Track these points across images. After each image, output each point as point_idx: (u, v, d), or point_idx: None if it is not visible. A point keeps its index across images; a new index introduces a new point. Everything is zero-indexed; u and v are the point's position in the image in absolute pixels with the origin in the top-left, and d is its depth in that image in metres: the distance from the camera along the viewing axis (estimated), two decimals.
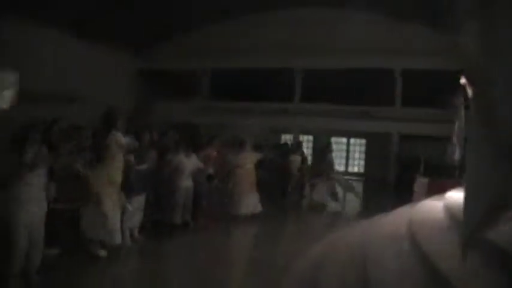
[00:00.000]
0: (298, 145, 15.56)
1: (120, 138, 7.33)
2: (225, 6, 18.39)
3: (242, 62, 19.71)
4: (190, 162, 9.94)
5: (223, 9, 18.82)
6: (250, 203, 11.58)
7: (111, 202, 7.29)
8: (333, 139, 20.34)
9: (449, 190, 8.28)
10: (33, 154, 5.80)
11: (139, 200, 8.31)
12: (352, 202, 15.53)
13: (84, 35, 17.09)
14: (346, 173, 21.20)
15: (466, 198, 3.32)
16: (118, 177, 7.42)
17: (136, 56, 20.80)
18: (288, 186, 14.31)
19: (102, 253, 7.26)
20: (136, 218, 8.35)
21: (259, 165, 12.41)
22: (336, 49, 18.81)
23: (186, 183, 9.80)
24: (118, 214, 7.51)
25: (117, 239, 7.42)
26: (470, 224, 3.22)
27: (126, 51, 19.72)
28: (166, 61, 20.57)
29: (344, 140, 23.68)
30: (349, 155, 24.02)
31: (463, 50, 3.06)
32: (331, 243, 8.10)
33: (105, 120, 7.48)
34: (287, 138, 19.45)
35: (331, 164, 14.30)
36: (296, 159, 14.44)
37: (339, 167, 21.78)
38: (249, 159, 11.83)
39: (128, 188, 7.79)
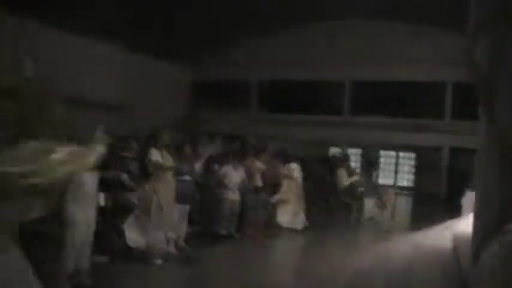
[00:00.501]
0: (345, 158, 15.45)
1: (152, 157, 7.52)
2: (274, 19, 18.50)
3: (291, 74, 19.78)
4: (237, 174, 10.08)
5: (273, 22, 18.93)
6: (296, 215, 11.60)
7: (156, 212, 7.48)
8: (382, 152, 20.19)
9: None
10: None
11: (184, 210, 8.46)
12: (401, 216, 15.34)
13: (139, 48, 17.55)
14: (395, 186, 20.94)
15: (475, 208, 3.31)
16: (165, 189, 7.61)
17: (189, 68, 21.12)
18: (334, 199, 14.23)
19: (158, 262, 7.46)
20: (181, 228, 8.51)
21: (306, 178, 12.43)
22: (385, 61, 18.67)
23: (232, 195, 9.93)
24: (163, 223, 7.69)
25: (162, 248, 7.62)
26: (478, 235, 3.21)
27: (179, 63, 20.08)
28: (217, 73, 20.81)
29: (393, 153, 23.42)
30: (398, 169, 23.74)
31: (471, 59, 3.07)
32: (376, 256, 8.09)
33: (149, 138, 7.78)
34: (335, 151, 19.37)
35: (376, 177, 14.21)
36: (343, 172, 14.35)
37: (388, 180, 21.57)
38: (295, 172, 11.87)
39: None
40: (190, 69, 21.14)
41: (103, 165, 7.04)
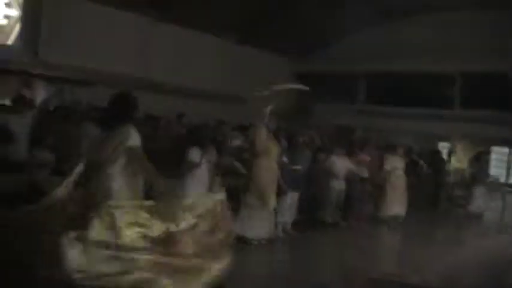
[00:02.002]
0: (452, 153, 15.28)
1: (258, 140, 8.04)
2: (381, 10, 18.48)
3: (399, 66, 19.63)
4: (343, 165, 10.46)
5: (380, 14, 18.90)
6: (401, 207, 11.76)
7: (263, 198, 8.02)
8: (494, 148, 19.56)
9: None
10: (201, 151, 6.87)
11: (292, 198, 8.95)
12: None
13: (246, 40, 18.19)
14: (506, 184, 20.31)
15: None
16: (268, 176, 8.12)
17: (296, 60, 21.52)
18: (440, 193, 14.20)
19: (255, 242, 8.03)
20: (289, 214, 9.02)
21: (412, 171, 12.53)
22: (500, 52, 18.04)
23: (339, 184, 10.34)
24: (271, 210, 8.23)
25: (269, 233, 8.19)
26: None
27: (286, 55, 20.51)
28: (324, 64, 21.00)
29: (505, 150, 22.58)
30: (510, 165, 22.91)
31: None
32: (473, 250, 8.18)
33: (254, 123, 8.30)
34: (444, 145, 19.10)
35: (487, 174, 14.00)
36: (449, 167, 14.27)
37: (499, 177, 20.93)
38: (401, 165, 12.00)
39: (281, 186, 8.48)
40: (296, 61, 21.52)
41: (217, 152, 7.78)
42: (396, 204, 11.65)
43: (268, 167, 8.12)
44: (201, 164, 6.93)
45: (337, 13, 17.74)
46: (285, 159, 8.71)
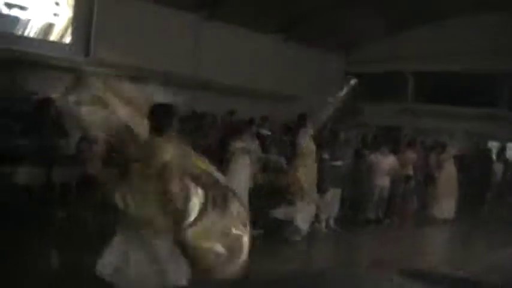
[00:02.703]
0: (502, 152, 15.00)
1: (299, 139, 8.19)
2: (430, 9, 18.29)
3: (447, 65, 19.39)
4: (387, 162, 10.47)
5: (430, 13, 18.71)
6: (446, 207, 11.66)
7: (303, 194, 8.17)
8: None
9: None
10: (243, 145, 7.13)
11: (335, 193, 9.09)
12: None
13: (295, 37, 18.28)
14: None
15: None
16: (308, 174, 8.25)
17: (345, 58, 21.52)
18: (487, 194, 13.98)
19: (297, 238, 8.18)
20: (331, 209, 9.16)
21: (461, 170, 12.41)
22: None
23: (382, 181, 10.37)
24: (311, 205, 8.37)
25: (310, 227, 8.38)
26: None
27: (335, 53, 20.53)
28: (373, 63, 20.92)
29: None
30: None
31: None
32: None
33: (298, 120, 8.44)
34: (493, 145, 18.75)
35: None
36: (498, 167, 14.02)
37: None
38: (450, 164, 11.93)
39: (323, 182, 8.61)
40: (344, 59, 21.52)
41: (265, 149, 8.01)
42: (444, 204, 11.59)
43: (309, 166, 8.27)
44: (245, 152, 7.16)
45: (386, 11, 17.66)
46: (326, 155, 8.84)
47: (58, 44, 12.55)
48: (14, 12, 11.61)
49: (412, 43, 19.79)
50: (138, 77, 11.92)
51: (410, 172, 11.26)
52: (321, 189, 8.64)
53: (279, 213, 8.33)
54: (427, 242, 10.12)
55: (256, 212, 7.81)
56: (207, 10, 15.47)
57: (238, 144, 7.29)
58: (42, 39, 12.23)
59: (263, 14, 15.80)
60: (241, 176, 7.24)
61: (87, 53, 13.10)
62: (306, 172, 8.16)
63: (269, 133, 10.15)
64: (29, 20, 11.88)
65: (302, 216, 8.19)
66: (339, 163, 9.11)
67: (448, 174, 11.82)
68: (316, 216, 8.74)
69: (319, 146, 8.57)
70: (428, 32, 19.77)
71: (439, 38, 19.27)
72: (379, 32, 19.71)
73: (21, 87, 10.83)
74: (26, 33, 11.89)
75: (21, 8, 11.75)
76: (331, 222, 9.24)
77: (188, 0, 14.72)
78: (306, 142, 8.17)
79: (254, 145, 7.82)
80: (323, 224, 8.98)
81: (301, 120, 8.43)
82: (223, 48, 15.68)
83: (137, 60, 13.19)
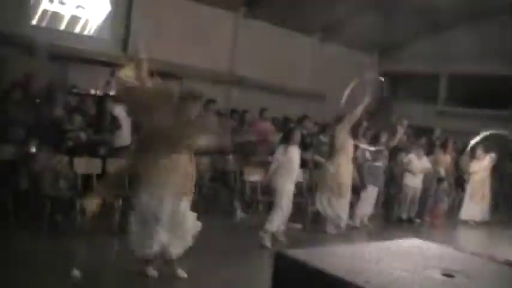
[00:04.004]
0: None
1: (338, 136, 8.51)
2: (464, 10, 18.16)
3: (480, 68, 19.24)
4: (420, 163, 10.55)
5: (464, 14, 18.58)
6: (479, 209, 11.66)
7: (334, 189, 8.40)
8: None
9: None
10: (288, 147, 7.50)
11: (371, 192, 9.32)
12: None
13: (331, 37, 18.37)
14: None
15: None
16: (345, 171, 8.50)
17: (379, 58, 21.51)
18: None
19: (333, 231, 8.44)
20: (366, 207, 9.38)
21: (495, 172, 12.38)
22: None
23: (415, 182, 10.46)
24: (345, 202, 8.60)
25: (344, 222, 8.63)
26: None
27: (370, 53, 20.56)
28: (408, 64, 20.88)
29: None
30: None
31: None
32: None
33: (335, 119, 8.62)
34: None
35: None
36: None
37: None
38: (483, 167, 11.92)
39: (360, 181, 8.82)
40: (378, 59, 21.50)
41: (303, 146, 8.26)
42: (477, 205, 11.59)
43: (346, 163, 8.54)
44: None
45: (423, 12, 17.62)
46: (367, 155, 9.06)
47: (96, 39, 12.82)
48: (55, 7, 11.90)
49: (450, 44, 19.66)
50: (174, 72, 12.25)
51: (443, 173, 11.32)
52: (360, 187, 8.85)
53: (318, 208, 8.55)
54: (456, 243, 10.13)
55: (297, 207, 8.10)
56: (245, 8, 15.64)
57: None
58: (80, 34, 12.52)
59: (301, 14, 15.91)
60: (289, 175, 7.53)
61: (124, 48, 13.35)
62: (343, 169, 8.43)
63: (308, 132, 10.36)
64: (69, 16, 12.18)
65: (339, 211, 8.40)
66: (379, 163, 9.32)
67: (482, 176, 11.80)
68: (351, 212, 9.02)
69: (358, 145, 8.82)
70: (464, 34, 19.66)
71: (473, 39, 19.16)
72: (414, 33, 19.69)
73: (65, 81, 11.13)
74: (65, 29, 12.18)
75: (62, 3, 12.04)
76: (366, 219, 9.43)
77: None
78: (342, 140, 8.39)
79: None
80: (357, 221, 9.22)
81: (338, 119, 8.74)
82: (259, 46, 15.82)
83: (173, 56, 13.45)
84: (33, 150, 7.21)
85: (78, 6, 12.34)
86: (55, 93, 9.06)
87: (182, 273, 5.40)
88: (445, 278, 2.35)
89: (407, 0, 16.54)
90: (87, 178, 7.45)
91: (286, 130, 8.12)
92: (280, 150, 7.39)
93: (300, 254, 2.57)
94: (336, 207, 8.43)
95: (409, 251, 2.85)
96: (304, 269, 2.31)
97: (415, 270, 2.43)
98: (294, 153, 7.43)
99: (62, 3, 12.04)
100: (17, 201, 6.78)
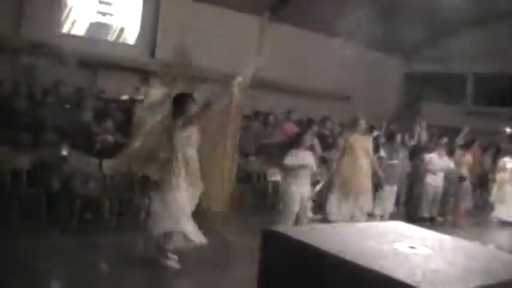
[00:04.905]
0: None
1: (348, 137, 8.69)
2: (491, 10, 18.12)
3: (507, 66, 19.14)
4: (442, 162, 10.65)
5: (491, 13, 18.54)
6: (505, 210, 11.67)
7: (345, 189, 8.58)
8: None
9: None
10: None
11: (390, 190, 9.43)
12: None
13: (357, 40, 18.48)
14: None
15: None
16: (354, 170, 8.62)
17: (404, 60, 21.57)
18: None
19: None
20: (385, 205, 9.50)
21: None
22: None
23: (436, 181, 10.56)
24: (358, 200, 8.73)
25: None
26: None
27: (395, 55, 20.63)
28: (433, 64, 20.88)
29: None
30: None
31: None
32: None
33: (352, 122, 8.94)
34: None
35: None
36: None
37: None
38: (508, 166, 11.93)
39: (379, 179, 8.96)
40: (402, 60, 21.55)
41: (325, 146, 8.53)
42: (502, 206, 11.61)
43: (357, 163, 8.61)
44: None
45: (446, 12, 17.63)
46: (382, 154, 9.19)
47: (125, 46, 13.24)
48: (84, 16, 12.38)
49: (474, 43, 19.61)
50: (201, 77, 12.60)
51: (465, 172, 11.35)
52: (377, 186, 9.00)
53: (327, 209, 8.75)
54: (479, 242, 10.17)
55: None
56: (269, 12, 15.90)
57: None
58: (109, 41, 12.95)
59: (325, 16, 16.10)
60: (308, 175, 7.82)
61: (152, 54, 13.74)
62: (351, 169, 8.52)
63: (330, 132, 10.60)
64: (97, 23, 12.63)
65: (349, 211, 8.56)
66: (395, 161, 9.44)
67: (503, 176, 11.83)
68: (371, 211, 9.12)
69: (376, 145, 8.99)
70: (489, 33, 19.60)
71: (499, 38, 19.09)
72: (438, 34, 19.70)
73: (94, 87, 11.54)
74: (94, 36, 12.63)
75: (90, 11, 12.50)
76: (386, 218, 9.55)
77: (252, 2, 15.18)
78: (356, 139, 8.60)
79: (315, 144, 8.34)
80: (378, 219, 9.30)
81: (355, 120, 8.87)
82: (283, 48, 16.05)
83: (200, 61, 13.78)
84: (65, 153, 7.65)
85: (106, 14, 12.79)
86: (84, 99, 9.50)
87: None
88: (409, 250, 2.75)
89: (430, 2, 16.63)
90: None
91: (295, 135, 8.34)
92: (289, 154, 7.65)
93: (285, 230, 2.96)
94: (345, 207, 8.53)
95: (386, 230, 3.23)
96: (288, 242, 2.69)
97: (386, 243, 2.82)
98: (305, 157, 7.65)
99: (90, 11, 12.50)
100: (49, 200, 7.22)
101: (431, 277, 2.29)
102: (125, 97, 10.51)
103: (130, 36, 13.39)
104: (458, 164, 11.15)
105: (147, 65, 12.93)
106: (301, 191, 7.57)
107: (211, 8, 14.22)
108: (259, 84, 15.13)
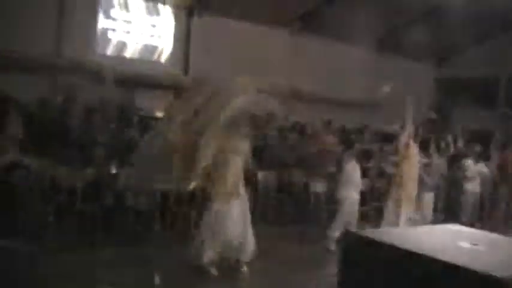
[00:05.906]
0: None
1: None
2: None
3: None
4: (478, 168, 10.75)
5: None
6: None
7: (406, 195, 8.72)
8: None
9: None
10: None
11: (429, 197, 9.51)
12: None
13: (386, 48, 18.62)
14: None
15: None
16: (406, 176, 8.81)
17: (436, 66, 21.63)
18: None
19: None
20: (425, 212, 9.56)
21: None
22: None
23: (473, 187, 10.66)
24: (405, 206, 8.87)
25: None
26: None
27: (426, 61, 20.69)
28: (465, 69, 20.80)
29: None
30: None
31: None
32: None
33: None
34: None
35: None
36: None
37: None
38: None
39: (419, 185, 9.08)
40: (433, 66, 21.58)
41: (366, 157, 8.80)
42: None
43: (410, 169, 8.78)
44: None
45: (476, 18, 17.65)
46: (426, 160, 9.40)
47: (158, 63, 13.58)
48: (119, 36, 12.77)
49: (506, 47, 19.55)
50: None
51: (501, 177, 11.38)
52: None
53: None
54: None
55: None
56: (298, 23, 16.17)
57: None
58: (143, 59, 13.31)
59: (354, 26, 16.26)
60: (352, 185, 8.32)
61: (186, 71, 14.05)
62: (406, 174, 8.71)
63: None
64: (132, 43, 13.02)
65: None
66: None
67: None
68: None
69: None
70: None
71: None
72: (469, 39, 19.67)
73: (132, 104, 11.85)
74: (130, 55, 13.03)
75: (125, 32, 12.88)
76: (426, 224, 9.65)
77: (284, 14, 15.45)
78: (404, 147, 8.73)
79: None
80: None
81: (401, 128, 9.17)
82: (314, 59, 16.27)
83: (234, 76, 14.04)
84: (114, 170, 7.98)
85: (141, 34, 13.16)
86: (128, 116, 9.81)
87: (245, 269, 6.32)
88: (471, 246, 3.31)
89: (460, 8, 16.68)
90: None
91: (348, 143, 8.66)
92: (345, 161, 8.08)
93: (363, 232, 3.50)
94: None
95: (447, 231, 3.83)
96: (366, 241, 3.05)
97: (451, 241, 3.39)
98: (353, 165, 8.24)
99: (125, 32, 12.88)
100: (103, 214, 7.56)
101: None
102: (160, 114, 10.77)
103: (164, 54, 13.72)
104: (494, 170, 11.23)
105: (181, 82, 13.30)
106: (352, 197, 8.17)
107: (240, 23, 14.50)
108: (296, 96, 15.50)
